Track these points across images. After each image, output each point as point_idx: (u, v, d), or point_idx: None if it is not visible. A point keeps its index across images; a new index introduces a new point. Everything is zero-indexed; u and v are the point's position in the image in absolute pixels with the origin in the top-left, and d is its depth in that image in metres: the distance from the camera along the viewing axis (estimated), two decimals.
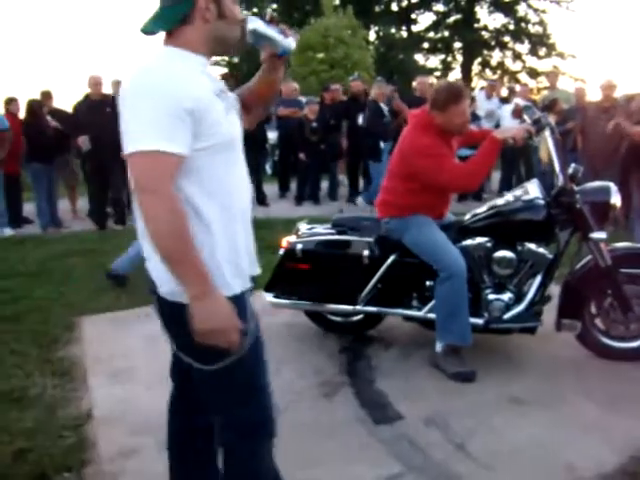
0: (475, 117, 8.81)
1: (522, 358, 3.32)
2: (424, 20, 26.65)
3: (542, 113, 3.13)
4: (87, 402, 2.90)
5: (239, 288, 1.53)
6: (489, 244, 3.22)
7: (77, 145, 7.12)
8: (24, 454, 2.43)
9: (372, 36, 23.56)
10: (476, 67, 25.84)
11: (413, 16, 25.86)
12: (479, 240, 3.25)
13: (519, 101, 3.32)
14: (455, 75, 24.16)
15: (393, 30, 25.29)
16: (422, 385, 3.02)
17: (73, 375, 3.20)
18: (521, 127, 3.13)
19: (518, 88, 10.78)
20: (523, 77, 24.52)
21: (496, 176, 9.47)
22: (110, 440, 2.55)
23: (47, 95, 7.76)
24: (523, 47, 24.94)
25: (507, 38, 25.09)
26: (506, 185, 9.03)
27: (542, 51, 24.57)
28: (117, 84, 8.51)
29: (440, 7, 25.49)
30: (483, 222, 3.28)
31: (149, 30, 1.49)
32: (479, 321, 3.18)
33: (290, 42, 1.67)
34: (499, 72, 25.30)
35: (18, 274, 5.21)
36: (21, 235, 7.14)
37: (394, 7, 25.71)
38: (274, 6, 23.52)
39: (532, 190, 3.23)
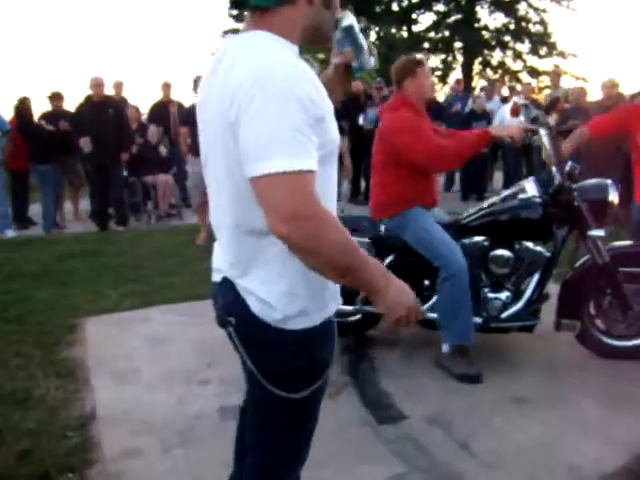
0: (476, 117, 8.83)
1: (525, 358, 3.32)
2: (424, 20, 26.61)
3: (539, 112, 3.13)
4: (90, 403, 2.90)
5: (333, 308, 1.43)
6: (486, 243, 3.23)
7: (79, 146, 7.14)
8: (28, 454, 2.43)
9: (373, 36, 23.55)
10: (477, 67, 25.80)
11: (414, 16, 25.82)
12: (476, 239, 3.26)
13: (517, 99, 3.33)
14: (456, 75, 24.11)
15: (394, 30, 25.27)
16: (425, 385, 3.02)
17: (76, 376, 3.20)
18: (519, 126, 3.13)
19: (519, 87, 10.80)
20: (524, 77, 24.51)
21: (498, 176, 9.48)
22: (113, 440, 2.55)
23: (57, 96, 7.76)
24: (524, 46, 24.88)
25: (508, 38, 25.04)
26: (509, 185, 9.04)
27: (543, 50, 24.52)
28: (118, 85, 8.54)
29: (440, 7, 25.44)
30: (480, 221, 3.29)
31: (251, 3, 1.27)
32: (477, 320, 3.18)
33: (371, 60, 1.54)
34: (500, 72, 25.26)
35: (21, 275, 5.23)
36: (24, 236, 7.16)
37: (394, 7, 25.70)
38: None
39: (529, 188, 3.24)
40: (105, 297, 4.53)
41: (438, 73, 25.60)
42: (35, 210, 7.77)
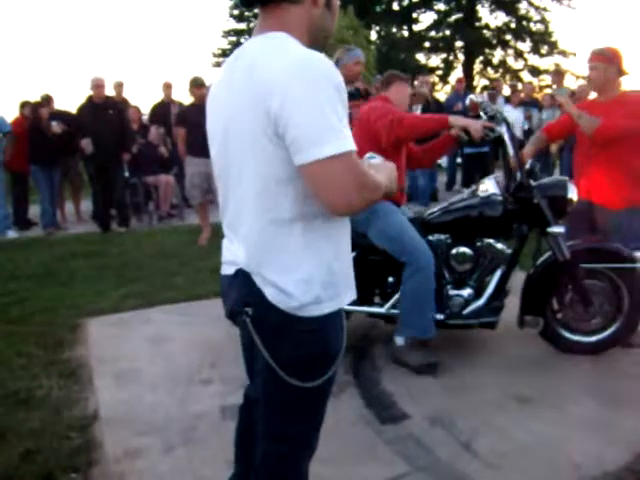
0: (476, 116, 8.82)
1: (526, 357, 3.32)
2: (425, 19, 26.72)
3: (498, 109, 3.14)
4: (93, 403, 2.91)
5: (347, 300, 1.47)
6: (448, 240, 3.27)
7: (80, 147, 7.15)
8: (31, 455, 2.44)
9: (373, 36, 23.56)
10: (478, 66, 25.82)
11: (414, 15, 25.84)
12: (438, 236, 3.30)
13: (474, 97, 3.34)
14: (457, 74, 24.11)
15: (395, 29, 25.29)
16: (427, 384, 3.02)
17: (79, 376, 3.21)
18: (478, 122, 3.15)
19: (520, 86, 10.77)
20: (525, 75, 24.50)
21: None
22: (116, 441, 2.56)
23: (47, 99, 7.79)
24: (525, 45, 24.93)
25: (509, 36, 25.06)
26: None
27: (544, 49, 24.54)
28: (119, 86, 8.54)
29: (441, 6, 25.47)
30: (443, 218, 3.32)
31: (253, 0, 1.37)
32: (439, 316, 3.22)
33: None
34: (501, 70, 25.29)
35: (23, 276, 5.23)
36: (26, 237, 7.17)
37: (395, 6, 25.70)
38: None
39: (490, 186, 3.28)
40: (107, 297, 4.54)
41: (439, 72, 25.61)
42: (35, 211, 7.78)
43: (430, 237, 3.29)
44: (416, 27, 25.92)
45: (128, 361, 3.40)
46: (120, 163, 7.41)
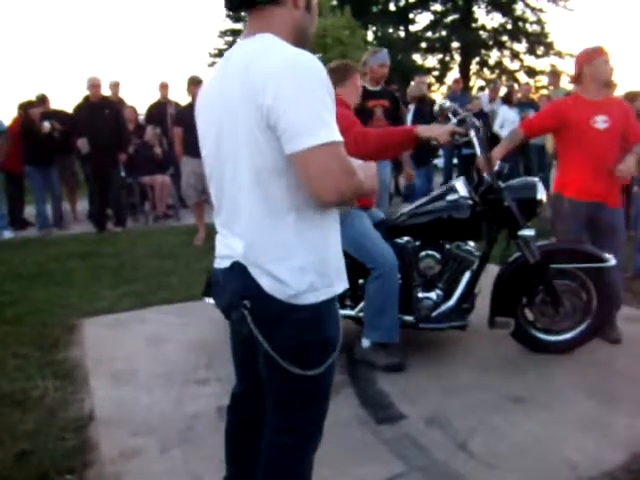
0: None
1: (522, 357, 3.32)
2: (422, 20, 26.77)
3: (467, 113, 3.15)
4: (88, 404, 2.90)
5: (340, 289, 1.51)
6: (416, 243, 3.28)
7: (76, 147, 7.13)
8: (26, 456, 2.42)
9: (370, 36, 23.56)
10: (474, 66, 25.87)
11: (411, 16, 25.88)
12: (407, 239, 3.31)
13: (442, 102, 3.36)
14: (453, 74, 24.15)
15: (391, 30, 25.31)
16: (423, 385, 3.03)
17: (74, 377, 3.20)
18: (446, 128, 3.13)
19: (517, 87, 10.79)
20: (521, 76, 24.56)
21: None
22: (112, 442, 2.55)
23: (43, 99, 7.76)
24: (521, 46, 24.99)
25: (505, 37, 25.11)
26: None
27: (540, 50, 24.61)
28: (115, 86, 8.52)
29: (438, 7, 25.52)
30: (411, 221, 3.32)
31: (237, 4, 1.45)
32: (409, 319, 3.24)
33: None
34: (497, 71, 25.33)
35: (19, 276, 5.22)
36: (21, 237, 7.15)
37: (392, 7, 25.72)
38: None
39: (458, 188, 3.29)
40: (103, 298, 4.52)
41: (435, 73, 25.65)
42: (32, 211, 7.76)
43: (399, 240, 3.30)
44: (412, 28, 25.97)
45: (124, 361, 3.39)
46: (116, 163, 7.39)
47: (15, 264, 5.67)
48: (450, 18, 25.32)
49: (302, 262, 1.41)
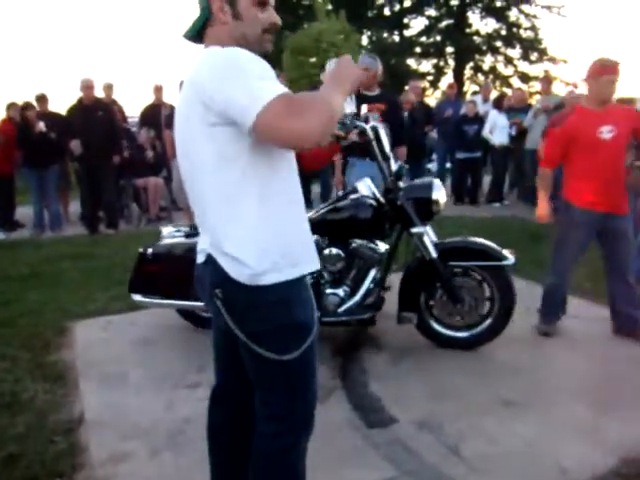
0: (468, 121, 8.87)
1: (512, 361, 3.33)
2: (416, 25, 26.77)
3: (359, 121, 3.21)
4: (78, 407, 2.88)
5: (310, 269, 1.58)
6: (319, 240, 3.35)
7: (69, 149, 7.10)
8: (15, 459, 2.41)
9: (365, 41, 23.61)
10: (468, 71, 25.95)
11: (405, 21, 25.93)
12: (316, 238, 3.35)
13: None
14: (447, 79, 24.22)
15: (385, 35, 25.36)
16: (415, 389, 3.02)
17: (64, 380, 3.18)
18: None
19: (510, 93, 10.83)
20: (515, 82, 24.66)
21: (487, 180, 9.52)
22: (101, 445, 2.53)
23: (42, 98, 7.73)
24: (515, 52, 25.07)
25: (499, 43, 25.20)
26: (497, 189, 9.08)
27: (534, 56, 24.70)
28: (109, 87, 8.50)
29: (432, 12, 25.58)
30: (319, 219, 3.40)
31: (187, 35, 1.61)
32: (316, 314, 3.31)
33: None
34: (491, 77, 25.41)
35: (9, 278, 5.18)
36: (13, 239, 7.11)
37: (387, 12, 25.79)
38: None
39: (361, 189, 3.40)
40: (94, 300, 4.50)
41: (429, 78, 25.72)
42: (23, 213, 7.72)
43: None
44: (407, 32, 26.01)
45: (115, 364, 3.37)
46: (109, 165, 7.36)
47: (6, 265, 5.63)
48: (444, 23, 25.39)
49: (263, 244, 1.47)
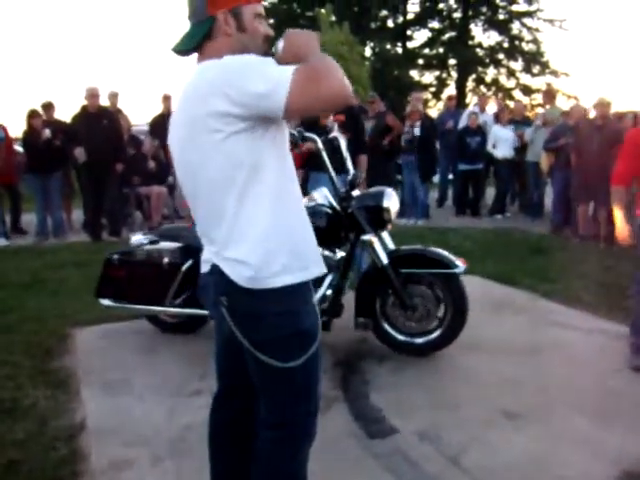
0: (470, 133, 8.90)
1: (515, 373, 3.32)
2: (419, 37, 26.90)
3: (309, 134, 3.32)
4: (80, 414, 2.88)
5: (316, 273, 1.59)
6: None
7: (73, 157, 7.13)
8: (16, 466, 2.41)
9: (368, 52, 23.73)
10: (471, 83, 26.05)
11: (409, 32, 26.07)
12: None
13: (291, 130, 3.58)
14: (450, 91, 24.31)
15: (389, 46, 25.49)
16: (416, 399, 3.02)
17: (66, 386, 3.18)
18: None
19: (512, 105, 10.84)
20: (517, 94, 24.76)
21: (490, 192, 9.54)
22: (103, 452, 2.53)
23: (48, 106, 7.77)
24: (517, 65, 25.18)
25: (501, 56, 25.32)
26: (500, 201, 9.08)
27: (536, 69, 24.80)
28: (114, 96, 8.54)
29: (435, 24, 25.74)
30: None
31: (180, 49, 1.60)
32: None
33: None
34: (493, 89, 25.51)
35: (12, 284, 5.20)
36: (16, 246, 7.13)
37: (390, 24, 25.94)
38: (271, 21, 23.67)
39: (317, 197, 3.48)
40: (96, 307, 4.48)
41: (432, 89, 25.82)
42: (26, 220, 7.74)
43: None
44: (410, 44, 26.15)
45: (117, 371, 3.37)
46: (113, 173, 7.39)
47: (8, 272, 5.65)
48: (447, 35, 25.54)
49: (275, 246, 1.48)
